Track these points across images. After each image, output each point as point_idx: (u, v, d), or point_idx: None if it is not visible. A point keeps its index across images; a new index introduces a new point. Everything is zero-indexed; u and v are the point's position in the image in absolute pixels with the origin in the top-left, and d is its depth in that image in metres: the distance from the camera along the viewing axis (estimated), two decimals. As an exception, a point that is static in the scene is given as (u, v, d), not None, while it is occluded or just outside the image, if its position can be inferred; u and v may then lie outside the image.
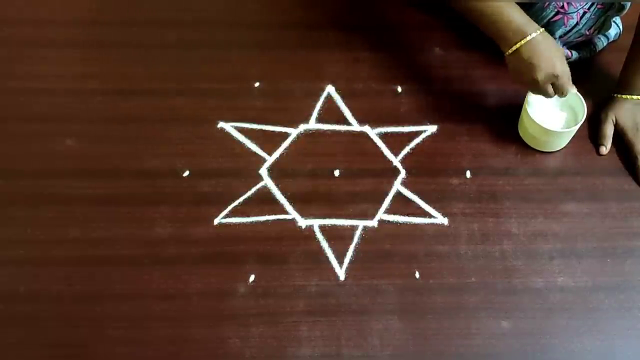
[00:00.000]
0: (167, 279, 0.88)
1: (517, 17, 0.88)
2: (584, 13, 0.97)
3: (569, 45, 1.03)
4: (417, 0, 1.13)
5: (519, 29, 0.88)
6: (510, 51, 0.89)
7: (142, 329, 0.85)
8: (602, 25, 1.00)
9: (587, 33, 1.00)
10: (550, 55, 0.88)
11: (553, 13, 0.97)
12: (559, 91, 0.91)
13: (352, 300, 0.87)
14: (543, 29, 0.89)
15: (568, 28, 0.98)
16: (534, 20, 0.98)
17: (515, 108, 1.01)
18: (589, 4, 0.97)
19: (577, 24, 0.98)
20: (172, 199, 0.95)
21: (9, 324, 0.85)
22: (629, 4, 0.99)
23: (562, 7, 0.96)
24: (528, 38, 0.87)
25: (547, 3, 0.97)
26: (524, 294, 0.88)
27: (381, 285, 0.88)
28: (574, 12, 0.97)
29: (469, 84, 1.07)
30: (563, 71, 0.89)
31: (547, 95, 0.91)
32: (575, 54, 1.04)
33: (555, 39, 0.99)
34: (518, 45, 0.88)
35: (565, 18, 0.97)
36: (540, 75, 0.88)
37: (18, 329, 0.85)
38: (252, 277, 0.89)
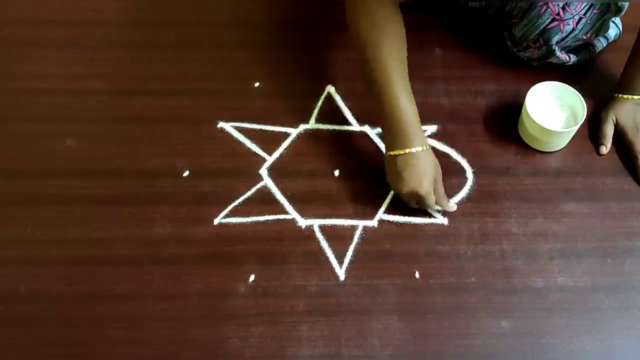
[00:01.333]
0: (167, 279, 0.88)
1: (409, 122, 0.87)
2: (580, 19, 0.97)
3: (567, 49, 1.03)
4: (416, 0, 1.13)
5: (405, 137, 0.87)
6: (389, 153, 0.89)
7: (142, 329, 0.85)
8: (600, 28, 0.99)
9: (585, 37, 1.00)
10: (421, 175, 0.87)
11: (549, 20, 0.97)
12: (423, 206, 0.91)
13: (352, 300, 0.87)
14: (428, 145, 0.89)
15: (565, 34, 0.98)
16: (530, 28, 0.98)
17: (515, 108, 1.01)
18: (585, 9, 0.96)
19: (573, 29, 0.97)
20: (172, 199, 0.95)
21: (9, 324, 0.85)
22: (626, 4, 0.98)
23: (558, 14, 0.96)
24: (407, 151, 0.87)
25: (543, 10, 0.97)
26: (523, 293, 0.88)
27: (381, 285, 0.88)
28: (570, 19, 0.96)
29: (469, 84, 1.07)
30: (427, 192, 0.88)
31: (410, 205, 0.92)
32: (573, 58, 1.04)
33: (551, 45, 0.99)
34: (396, 152, 0.88)
35: (562, 24, 0.97)
36: (405, 189, 0.89)
37: (18, 329, 0.85)
38: (252, 277, 0.89)
